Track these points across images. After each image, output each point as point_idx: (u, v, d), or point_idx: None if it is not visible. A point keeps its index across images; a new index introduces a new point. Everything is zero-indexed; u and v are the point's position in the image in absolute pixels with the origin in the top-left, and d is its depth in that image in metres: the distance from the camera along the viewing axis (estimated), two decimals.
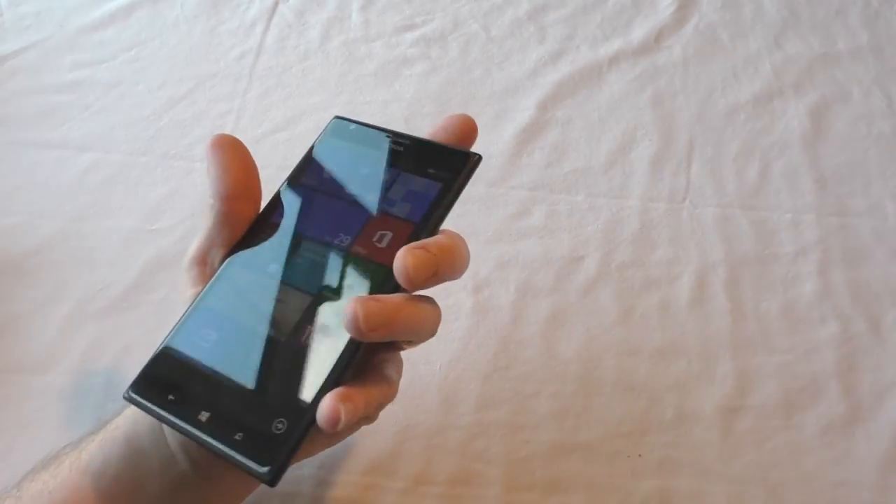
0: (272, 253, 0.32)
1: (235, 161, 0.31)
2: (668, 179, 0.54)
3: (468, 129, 0.33)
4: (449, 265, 0.29)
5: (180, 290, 0.32)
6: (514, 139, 0.56)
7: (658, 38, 0.63)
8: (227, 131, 0.56)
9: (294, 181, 0.34)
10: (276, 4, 0.65)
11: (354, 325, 0.27)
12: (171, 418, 0.28)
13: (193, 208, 0.52)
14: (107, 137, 0.56)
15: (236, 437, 0.27)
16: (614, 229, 0.51)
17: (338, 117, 0.36)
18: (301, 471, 0.40)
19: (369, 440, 0.41)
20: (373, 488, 0.40)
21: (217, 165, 0.31)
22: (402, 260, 0.27)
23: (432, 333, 0.30)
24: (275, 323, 0.30)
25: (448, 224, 0.31)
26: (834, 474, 0.41)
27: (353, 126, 0.35)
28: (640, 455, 0.41)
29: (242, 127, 0.56)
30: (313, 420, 0.27)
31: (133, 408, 0.32)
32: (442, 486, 0.40)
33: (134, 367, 0.44)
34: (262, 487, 0.34)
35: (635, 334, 0.46)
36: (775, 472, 0.41)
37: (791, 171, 0.54)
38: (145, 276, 0.48)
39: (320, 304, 0.30)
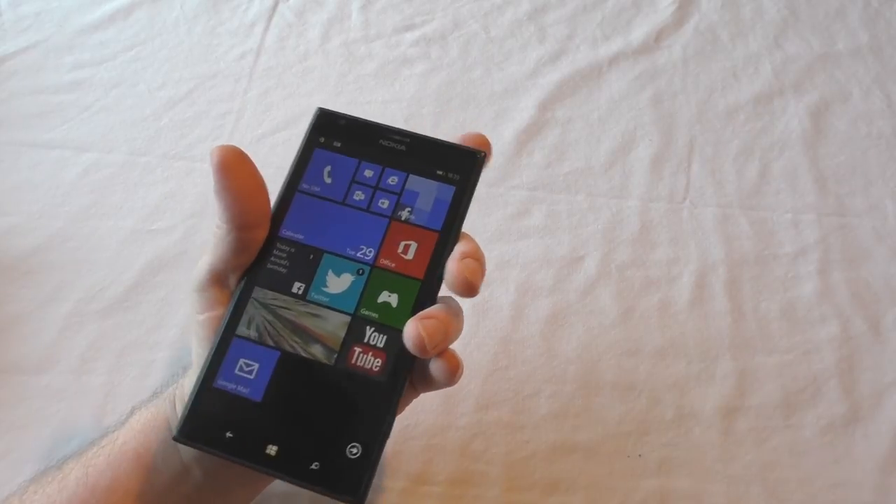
0: (294, 272, 0.30)
1: (246, 185, 0.30)
2: (668, 179, 0.54)
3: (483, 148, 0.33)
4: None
5: (195, 311, 0.31)
6: (514, 139, 0.56)
7: (658, 38, 0.63)
8: (227, 131, 0.56)
9: (296, 187, 0.32)
10: (276, 4, 0.65)
11: (419, 346, 0.28)
12: (236, 457, 0.28)
13: (193, 208, 0.52)
14: (107, 137, 0.56)
15: (312, 467, 0.27)
16: (614, 229, 0.51)
17: (322, 109, 0.33)
18: None
19: None
20: (373, 488, 0.39)
21: (227, 192, 0.29)
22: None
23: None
24: (318, 346, 0.29)
25: None
26: (834, 474, 0.41)
27: (342, 121, 0.33)
28: (640, 455, 0.41)
29: (242, 127, 0.56)
30: (386, 437, 0.28)
31: (140, 420, 0.31)
32: (442, 486, 0.40)
33: (134, 367, 0.44)
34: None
35: (635, 334, 0.46)
36: (775, 472, 0.41)
37: (791, 171, 0.54)
38: (145, 276, 0.48)
39: (361, 323, 0.30)
